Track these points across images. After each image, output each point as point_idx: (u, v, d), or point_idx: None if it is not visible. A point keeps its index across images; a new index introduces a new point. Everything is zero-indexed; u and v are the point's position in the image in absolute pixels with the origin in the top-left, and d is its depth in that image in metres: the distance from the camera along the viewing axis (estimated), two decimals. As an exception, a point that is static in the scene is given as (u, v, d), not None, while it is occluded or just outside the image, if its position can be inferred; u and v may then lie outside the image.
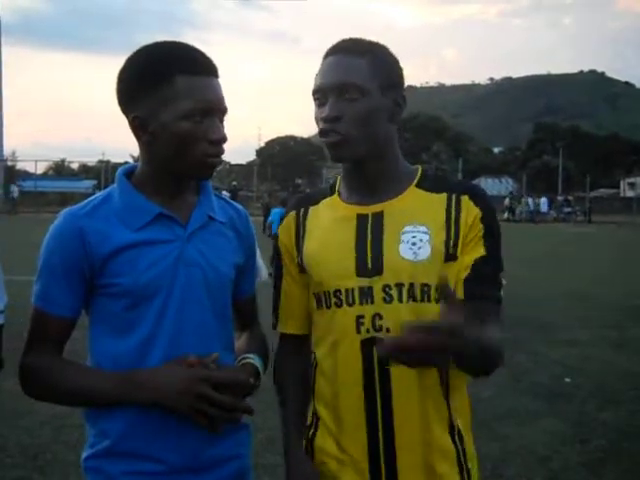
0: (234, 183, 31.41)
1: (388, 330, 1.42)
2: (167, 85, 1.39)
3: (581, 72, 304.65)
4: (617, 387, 5.57)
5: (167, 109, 1.39)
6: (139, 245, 1.42)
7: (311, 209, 1.57)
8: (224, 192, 27.46)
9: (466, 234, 1.46)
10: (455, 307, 1.21)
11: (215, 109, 1.42)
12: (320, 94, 1.47)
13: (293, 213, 1.59)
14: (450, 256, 1.44)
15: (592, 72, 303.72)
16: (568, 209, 40.13)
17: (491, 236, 1.47)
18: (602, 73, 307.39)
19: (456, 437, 1.49)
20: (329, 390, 1.51)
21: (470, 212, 1.46)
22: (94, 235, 1.42)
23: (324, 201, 1.57)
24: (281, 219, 1.63)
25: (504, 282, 1.49)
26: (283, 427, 1.59)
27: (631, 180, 61.47)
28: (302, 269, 1.54)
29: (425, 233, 1.45)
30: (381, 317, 1.43)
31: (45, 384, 1.45)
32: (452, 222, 1.46)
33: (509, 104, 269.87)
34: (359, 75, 1.43)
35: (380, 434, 1.45)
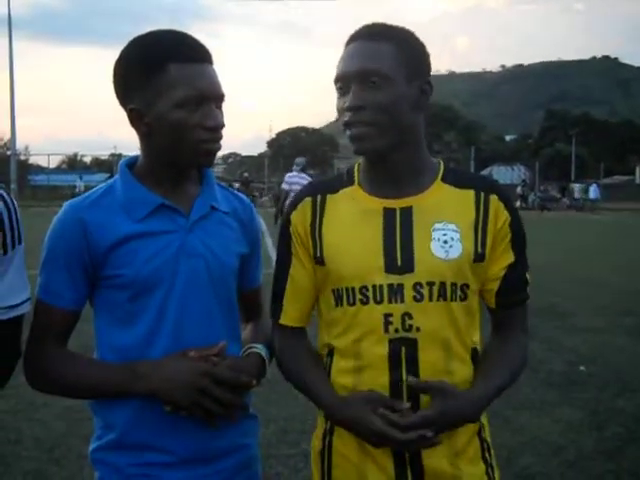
0: (245, 174, 31.39)
1: (419, 329, 1.39)
2: (160, 75, 1.37)
3: (594, 58, 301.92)
4: (633, 374, 5.51)
5: (162, 99, 1.37)
6: (141, 236, 1.42)
7: (329, 197, 1.50)
8: (235, 184, 27.53)
9: (495, 238, 1.44)
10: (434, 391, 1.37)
11: (210, 96, 1.40)
12: (342, 82, 1.41)
13: (309, 199, 1.51)
14: (479, 256, 1.43)
15: (605, 58, 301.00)
16: (585, 196, 39.64)
17: (519, 240, 1.48)
18: (615, 59, 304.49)
19: (484, 441, 1.50)
20: (349, 389, 1.44)
21: (500, 216, 1.45)
22: (96, 227, 1.41)
23: (344, 190, 1.51)
24: (292, 204, 1.54)
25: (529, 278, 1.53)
26: (313, 391, 1.47)
27: (646, 166, 60.88)
28: (318, 261, 1.47)
29: (455, 231, 1.42)
30: (411, 317, 1.40)
31: (49, 377, 1.45)
32: (480, 221, 1.44)
33: (521, 91, 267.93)
34: (383, 61, 1.37)
35: None
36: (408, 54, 1.41)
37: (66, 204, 1.47)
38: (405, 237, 1.42)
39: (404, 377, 1.40)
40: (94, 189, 1.50)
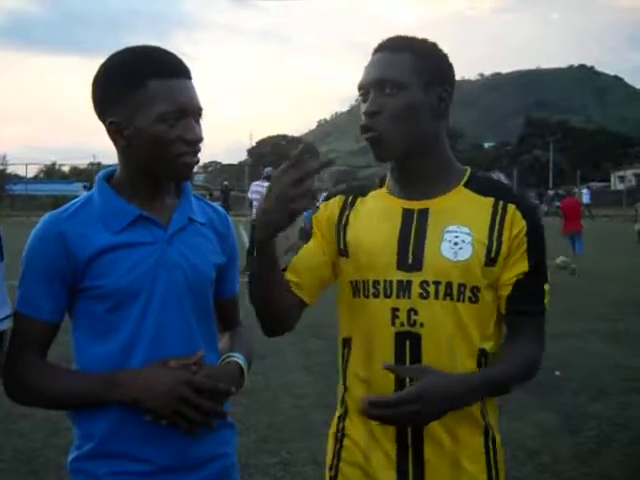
0: (225, 183, 31.26)
1: (422, 325, 1.45)
2: (140, 90, 1.41)
3: (571, 67, 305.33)
4: (608, 379, 5.61)
5: (141, 113, 1.41)
6: (119, 247, 1.44)
7: (359, 199, 1.60)
8: (215, 192, 27.33)
9: (510, 245, 1.47)
10: (413, 373, 1.38)
11: (189, 110, 1.44)
12: (363, 90, 1.50)
13: (342, 197, 1.62)
14: (491, 261, 1.46)
15: (581, 66, 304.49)
16: (558, 203, 39.98)
17: (537, 250, 1.49)
18: (591, 67, 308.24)
19: (489, 441, 1.53)
20: (361, 380, 1.52)
21: (516, 224, 1.48)
22: (75, 238, 1.43)
23: (372, 193, 1.60)
24: (327, 197, 1.64)
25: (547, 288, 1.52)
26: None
27: (621, 173, 61.72)
28: (342, 253, 1.56)
29: (468, 234, 1.47)
30: (416, 312, 1.45)
31: (28, 388, 1.46)
32: (496, 228, 1.47)
33: (499, 100, 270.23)
34: (398, 70, 1.46)
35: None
36: (426, 63, 1.48)
37: (45, 216, 1.48)
38: (419, 237, 1.48)
39: (407, 378, 1.43)
40: (72, 201, 1.52)
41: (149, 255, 1.46)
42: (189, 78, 1.47)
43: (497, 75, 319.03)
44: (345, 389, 1.58)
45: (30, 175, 45.47)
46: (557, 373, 5.70)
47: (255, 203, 11.33)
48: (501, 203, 1.49)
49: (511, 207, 1.49)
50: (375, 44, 1.54)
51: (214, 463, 1.54)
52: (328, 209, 1.61)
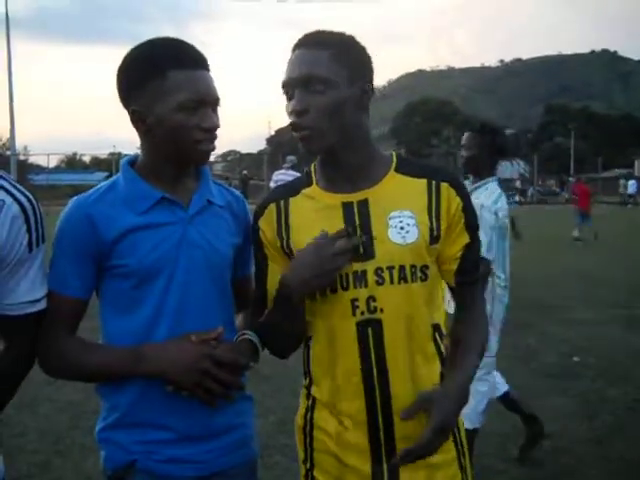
0: (245, 172, 31.43)
1: (382, 310, 1.50)
2: (160, 80, 1.49)
3: (593, 52, 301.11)
4: (625, 365, 5.61)
5: (161, 102, 1.49)
6: (143, 228, 1.52)
7: (291, 200, 1.60)
8: (234, 181, 27.35)
9: (450, 222, 1.55)
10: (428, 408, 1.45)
11: (207, 100, 1.52)
12: (287, 88, 1.51)
13: (273, 205, 1.60)
14: (434, 239, 1.53)
15: (604, 51, 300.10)
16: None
17: (472, 222, 1.60)
18: (614, 52, 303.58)
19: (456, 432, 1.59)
20: (326, 372, 1.56)
21: (452, 201, 1.55)
22: (102, 220, 1.51)
23: (303, 191, 1.60)
24: (259, 211, 1.62)
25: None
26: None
27: (645, 159, 60.81)
28: (291, 258, 1.55)
29: (411, 217, 1.52)
30: (375, 299, 1.50)
31: (60, 362, 1.55)
32: (433, 207, 1.54)
33: (520, 86, 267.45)
34: (323, 67, 1.47)
35: (379, 410, 1.52)
36: (347, 58, 1.50)
37: (72, 200, 1.57)
38: (364, 227, 1.52)
39: (373, 359, 1.50)
40: (97, 187, 1.61)
41: (172, 235, 1.54)
42: (207, 69, 1.55)
43: (518, 61, 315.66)
44: (310, 382, 1.61)
45: (52, 165, 46.05)
46: (575, 359, 5.73)
47: None
48: (434, 183, 1.55)
49: (444, 185, 1.55)
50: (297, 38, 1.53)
51: (233, 432, 1.63)
52: (266, 223, 1.59)
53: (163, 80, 1.49)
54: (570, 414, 4.46)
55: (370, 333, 1.50)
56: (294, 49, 1.53)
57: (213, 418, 1.57)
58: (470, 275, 1.61)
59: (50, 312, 1.52)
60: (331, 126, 1.49)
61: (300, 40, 1.53)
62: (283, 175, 11.17)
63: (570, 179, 40.31)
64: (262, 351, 1.64)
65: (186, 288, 1.55)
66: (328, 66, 1.47)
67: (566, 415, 4.43)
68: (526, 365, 5.53)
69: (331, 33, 1.53)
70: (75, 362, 1.54)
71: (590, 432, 4.16)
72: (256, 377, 4.35)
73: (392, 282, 1.50)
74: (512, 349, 5.53)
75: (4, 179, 1.40)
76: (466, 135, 3.58)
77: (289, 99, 1.52)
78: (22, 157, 45.06)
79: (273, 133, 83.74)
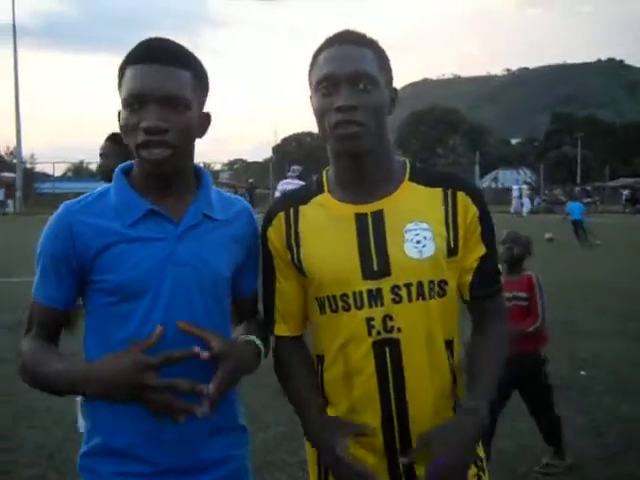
0: (251, 181, 31.44)
1: (400, 330, 1.43)
2: (120, 78, 1.42)
3: (599, 60, 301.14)
4: (634, 379, 5.50)
5: (121, 101, 1.41)
6: (129, 241, 1.42)
7: (301, 208, 1.53)
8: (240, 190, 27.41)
9: (466, 232, 1.48)
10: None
11: (148, 96, 1.36)
12: (329, 82, 1.42)
13: (282, 214, 1.54)
14: (452, 251, 1.47)
15: (610, 60, 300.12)
16: (587, 199, 39.58)
17: (489, 232, 1.52)
18: (621, 61, 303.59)
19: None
20: (340, 393, 1.49)
21: (468, 210, 1.48)
22: (84, 233, 1.42)
23: (314, 200, 1.53)
24: (267, 220, 1.56)
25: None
26: (300, 405, 1.54)
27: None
28: (300, 272, 1.51)
29: (427, 230, 1.45)
30: (392, 318, 1.43)
31: (26, 367, 1.44)
32: (450, 218, 1.47)
33: (526, 95, 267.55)
34: (372, 66, 1.42)
35: (396, 432, 1.46)
36: (385, 61, 1.47)
37: (61, 206, 1.48)
38: (379, 241, 1.45)
39: (390, 380, 1.44)
40: (89, 192, 1.51)
41: (157, 251, 1.42)
42: (168, 64, 1.38)
43: (524, 70, 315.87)
44: (325, 402, 1.54)
45: (58, 173, 46.17)
46: (582, 373, 5.62)
47: None
48: (450, 191, 1.49)
49: (460, 194, 1.49)
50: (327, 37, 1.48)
51: (224, 466, 1.51)
52: (275, 233, 1.53)
53: (122, 78, 1.41)
54: (578, 431, 4.33)
55: (388, 353, 1.43)
56: (332, 44, 1.45)
57: (200, 451, 1.45)
58: (485, 289, 1.53)
59: (29, 318, 1.48)
60: (375, 127, 1.43)
61: (341, 37, 1.46)
62: (288, 184, 11.28)
63: (576, 188, 40.20)
64: (268, 353, 1.56)
65: (172, 309, 1.43)
66: (375, 66, 1.44)
67: (573, 432, 4.30)
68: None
69: (367, 35, 1.48)
70: (30, 370, 1.43)
71: (599, 450, 4.05)
72: (255, 386, 4.27)
73: (410, 300, 1.43)
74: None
75: None
76: None
77: (326, 95, 1.42)
78: (29, 165, 45.19)
79: (279, 142, 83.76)
